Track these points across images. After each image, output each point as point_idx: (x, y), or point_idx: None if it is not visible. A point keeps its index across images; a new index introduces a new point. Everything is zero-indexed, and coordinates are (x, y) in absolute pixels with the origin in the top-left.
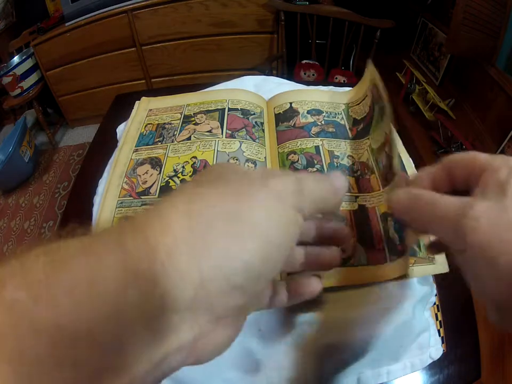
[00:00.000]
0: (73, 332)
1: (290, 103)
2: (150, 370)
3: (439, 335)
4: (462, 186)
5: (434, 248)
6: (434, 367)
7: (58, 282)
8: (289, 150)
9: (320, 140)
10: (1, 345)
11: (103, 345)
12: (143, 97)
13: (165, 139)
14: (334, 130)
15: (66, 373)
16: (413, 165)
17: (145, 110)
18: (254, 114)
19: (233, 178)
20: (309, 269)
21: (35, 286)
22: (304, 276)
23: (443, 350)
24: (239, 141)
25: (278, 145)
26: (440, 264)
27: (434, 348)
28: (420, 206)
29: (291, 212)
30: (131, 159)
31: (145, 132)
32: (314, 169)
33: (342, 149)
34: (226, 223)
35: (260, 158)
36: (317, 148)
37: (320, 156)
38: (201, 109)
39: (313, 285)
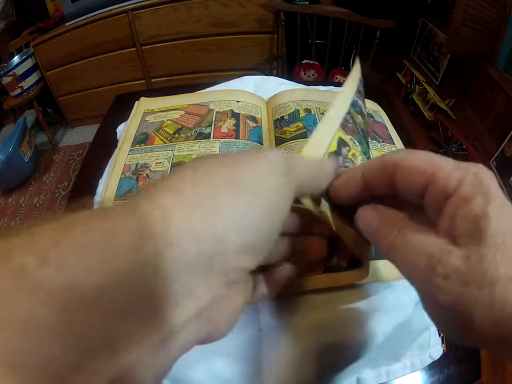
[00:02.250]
0: (82, 296)
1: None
2: (164, 342)
3: (439, 335)
4: (405, 194)
5: None
6: (434, 367)
7: (68, 244)
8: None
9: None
10: (6, 310)
11: (114, 311)
12: (142, 98)
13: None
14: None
15: (77, 341)
16: None
17: (144, 111)
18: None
19: (228, 156)
20: (294, 259)
21: (43, 250)
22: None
23: (443, 350)
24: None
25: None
26: None
27: (434, 348)
28: (389, 235)
29: (284, 180)
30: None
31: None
32: None
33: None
34: (231, 186)
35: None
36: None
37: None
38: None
39: (286, 270)
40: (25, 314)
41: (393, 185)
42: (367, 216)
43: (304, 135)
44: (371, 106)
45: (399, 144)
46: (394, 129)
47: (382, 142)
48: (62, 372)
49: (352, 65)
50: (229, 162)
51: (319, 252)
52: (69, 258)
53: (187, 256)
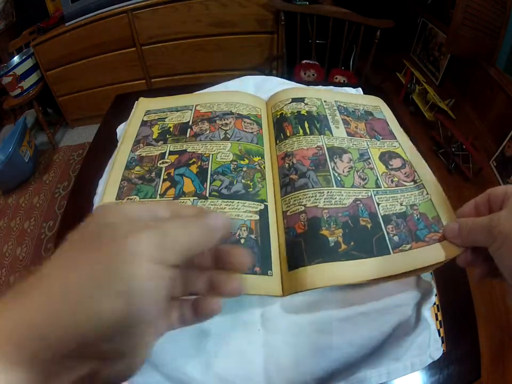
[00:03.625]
0: None
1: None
2: None
3: (439, 335)
4: (496, 209)
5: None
6: (434, 367)
7: None
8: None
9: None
10: None
11: None
12: (141, 98)
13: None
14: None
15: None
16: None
17: (143, 111)
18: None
19: (103, 234)
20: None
21: None
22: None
23: (443, 350)
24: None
25: (276, 144)
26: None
27: (434, 348)
28: (468, 229)
29: (150, 267)
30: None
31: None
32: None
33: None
34: (77, 290)
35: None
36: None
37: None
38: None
39: (213, 305)
40: None
41: (489, 204)
42: (450, 227)
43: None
44: (370, 101)
45: (401, 137)
46: (396, 122)
47: (382, 139)
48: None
49: (353, 65)
50: (91, 257)
51: (237, 289)
52: None
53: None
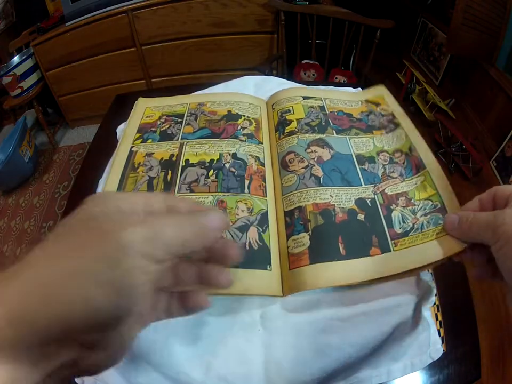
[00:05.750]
0: None
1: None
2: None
3: (439, 335)
4: (501, 207)
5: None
6: (434, 367)
7: None
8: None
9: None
10: None
11: None
12: (140, 98)
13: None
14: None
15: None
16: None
17: (143, 111)
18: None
19: (90, 226)
20: (204, 286)
21: None
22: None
23: (443, 350)
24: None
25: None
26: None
27: (434, 348)
28: (469, 223)
29: (140, 262)
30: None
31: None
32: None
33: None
34: (68, 277)
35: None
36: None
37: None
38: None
39: (202, 299)
40: None
41: (494, 202)
42: (450, 218)
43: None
44: (373, 97)
45: (405, 123)
46: (400, 109)
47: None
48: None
49: (353, 65)
50: (77, 246)
51: (227, 281)
52: None
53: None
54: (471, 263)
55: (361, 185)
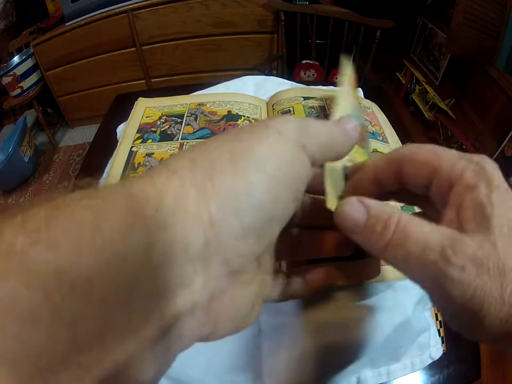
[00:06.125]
0: (73, 278)
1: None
2: (160, 336)
3: (439, 335)
4: (413, 187)
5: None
6: (434, 367)
7: (59, 225)
8: None
9: None
10: None
11: (106, 297)
12: (140, 98)
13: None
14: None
15: (64, 330)
16: None
17: (142, 111)
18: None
19: (233, 131)
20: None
21: (34, 231)
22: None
23: (443, 350)
24: None
25: None
26: None
27: (434, 348)
28: (385, 233)
29: (295, 150)
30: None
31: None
32: None
33: None
34: (231, 162)
35: None
36: None
37: None
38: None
39: (327, 274)
40: (4, 296)
41: (401, 180)
42: (352, 212)
43: None
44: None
45: (393, 141)
46: (390, 126)
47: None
48: (49, 365)
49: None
50: (232, 137)
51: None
52: (59, 239)
53: (180, 241)
54: None
55: None
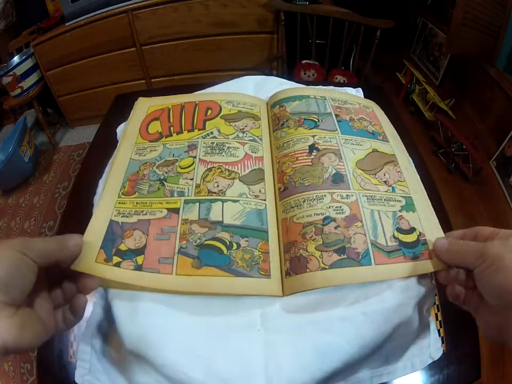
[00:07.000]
0: None
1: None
2: None
3: (439, 335)
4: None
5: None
6: (434, 367)
7: None
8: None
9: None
10: None
11: None
12: (140, 98)
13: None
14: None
15: None
16: (413, 165)
17: (143, 111)
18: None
19: None
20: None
21: None
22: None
23: (443, 350)
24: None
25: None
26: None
27: (434, 348)
28: (458, 248)
29: (17, 255)
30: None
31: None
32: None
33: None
34: None
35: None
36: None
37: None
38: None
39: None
40: None
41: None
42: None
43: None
44: (365, 103)
45: (393, 141)
46: (390, 126)
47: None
48: None
49: (353, 65)
50: None
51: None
52: None
53: None
54: (451, 283)
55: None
